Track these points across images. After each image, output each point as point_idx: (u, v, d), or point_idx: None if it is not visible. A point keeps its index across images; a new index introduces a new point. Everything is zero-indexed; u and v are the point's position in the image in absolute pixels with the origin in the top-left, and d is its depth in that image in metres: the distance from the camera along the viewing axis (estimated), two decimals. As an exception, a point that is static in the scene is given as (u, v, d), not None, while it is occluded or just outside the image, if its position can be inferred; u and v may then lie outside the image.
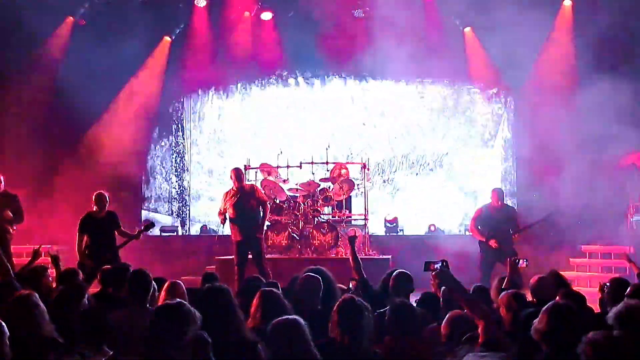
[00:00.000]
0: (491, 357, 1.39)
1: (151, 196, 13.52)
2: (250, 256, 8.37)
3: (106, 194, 7.80)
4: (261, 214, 8.49)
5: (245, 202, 8.29)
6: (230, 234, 8.64)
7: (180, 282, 5.01)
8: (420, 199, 13.27)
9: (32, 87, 11.53)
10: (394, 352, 3.72)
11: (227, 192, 8.61)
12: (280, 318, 3.26)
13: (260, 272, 7.81)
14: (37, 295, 3.73)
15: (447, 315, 3.55)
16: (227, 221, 8.49)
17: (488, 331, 3.60)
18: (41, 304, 3.64)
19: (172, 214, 13.76)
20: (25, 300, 3.62)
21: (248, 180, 10.60)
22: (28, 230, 9.48)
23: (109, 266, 5.75)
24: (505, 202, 8.89)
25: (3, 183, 8.01)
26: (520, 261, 5.47)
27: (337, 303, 3.59)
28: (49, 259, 6.13)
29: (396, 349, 3.75)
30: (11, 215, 7.84)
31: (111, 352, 3.49)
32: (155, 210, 13.51)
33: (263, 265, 8.18)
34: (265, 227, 8.85)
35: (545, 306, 3.22)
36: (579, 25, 11.27)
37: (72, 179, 11.22)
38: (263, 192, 9.20)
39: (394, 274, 5.06)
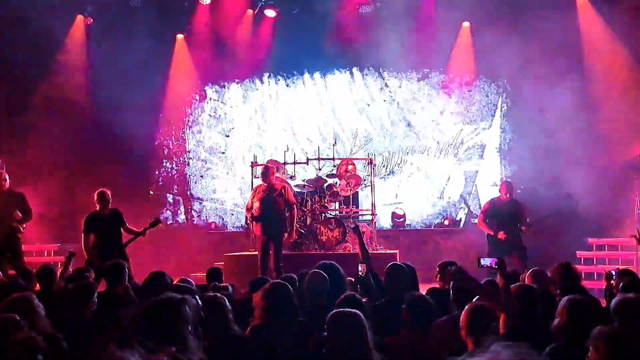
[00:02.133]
0: (517, 347, 1.44)
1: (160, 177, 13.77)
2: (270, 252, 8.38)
3: (108, 192, 7.79)
4: (288, 215, 8.47)
5: (272, 200, 8.29)
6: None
7: (189, 279, 5.07)
8: (423, 189, 13.31)
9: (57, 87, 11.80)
10: (409, 343, 3.79)
11: (256, 188, 8.70)
12: (340, 310, 3.28)
13: (275, 268, 8.00)
14: (34, 296, 3.77)
15: (466, 307, 3.56)
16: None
17: (507, 322, 3.65)
18: (39, 305, 3.69)
19: (174, 192, 13.84)
20: (23, 301, 3.66)
21: (257, 177, 10.73)
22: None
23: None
24: (513, 196, 8.85)
25: (8, 181, 8.07)
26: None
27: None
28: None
29: (411, 340, 3.81)
30: (20, 214, 7.89)
31: None
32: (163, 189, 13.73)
33: (278, 264, 8.21)
34: (294, 230, 8.74)
35: (562, 301, 3.27)
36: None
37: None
38: (292, 194, 9.09)
39: (398, 265, 5.10)
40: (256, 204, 8.34)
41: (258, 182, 11.07)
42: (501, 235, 8.35)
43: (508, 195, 8.65)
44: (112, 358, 1.67)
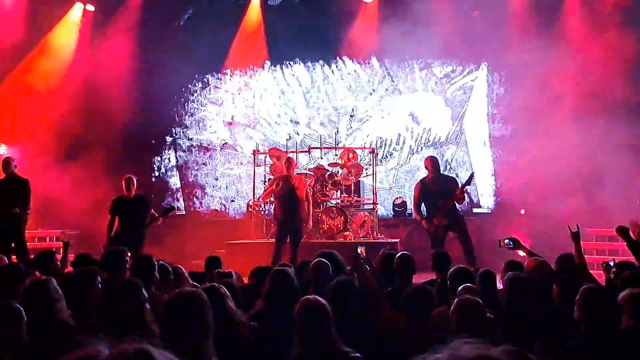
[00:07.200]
0: (477, 342, 1.47)
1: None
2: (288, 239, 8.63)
3: (134, 178, 7.97)
4: (306, 205, 8.80)
5: (295, 188, 8.66)
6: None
7: (179, 266, 5.16)
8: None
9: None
10: (406, 329, 3.82)
11: (277, 177, 9.08)
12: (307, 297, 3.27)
13: (292, 254, 8.29)
14: (54, 280, 3.77)
15: (455, 302, 3.55)
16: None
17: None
18: (59, 289, 3.68)
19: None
20: (43, 285, 3.67)
21: (258, 166, 10.79)
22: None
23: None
24: (440, 171, 8.35)
25: (13, 165, 8.07)
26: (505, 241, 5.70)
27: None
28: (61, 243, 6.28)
29: (409, 326, 3.85)
30: (18, 210, 7.87)
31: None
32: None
33: (296, 251, 8.49)
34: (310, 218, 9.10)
35: (580, 291, 3.32)
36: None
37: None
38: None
39: (398, 255, 5.13)
40: (281, 192, 8.63)
41: (260, 170, 11.14)
42: (424, 224, 7.95)
43: (434, 172, 8.12)
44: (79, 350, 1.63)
